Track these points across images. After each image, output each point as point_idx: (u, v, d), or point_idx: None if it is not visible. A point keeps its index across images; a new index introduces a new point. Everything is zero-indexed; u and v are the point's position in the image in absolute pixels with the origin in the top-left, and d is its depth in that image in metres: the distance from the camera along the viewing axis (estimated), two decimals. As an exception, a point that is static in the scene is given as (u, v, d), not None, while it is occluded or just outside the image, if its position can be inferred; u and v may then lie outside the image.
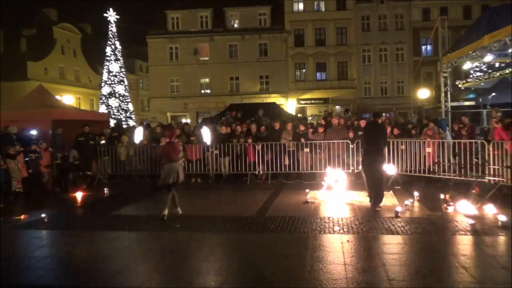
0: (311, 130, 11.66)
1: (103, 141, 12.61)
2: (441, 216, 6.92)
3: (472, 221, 6.34)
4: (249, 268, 4.85)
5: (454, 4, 33.63)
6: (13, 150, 9.88)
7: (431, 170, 10.26)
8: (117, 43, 27.76)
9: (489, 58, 12.27)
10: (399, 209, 7.25)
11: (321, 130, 11.57)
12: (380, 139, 7.67)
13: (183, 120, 31.23)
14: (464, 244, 5.58)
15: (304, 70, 35.16)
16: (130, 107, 28.22)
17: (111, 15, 27.65)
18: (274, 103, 21.78)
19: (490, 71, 15.30)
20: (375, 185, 7.55)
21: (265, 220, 7.06)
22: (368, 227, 6.38)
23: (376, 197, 7.53)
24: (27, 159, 10.38)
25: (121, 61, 27.86)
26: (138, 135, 11.55)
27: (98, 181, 12.01)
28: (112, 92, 27.03)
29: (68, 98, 28.00)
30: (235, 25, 35.60)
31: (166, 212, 7.20)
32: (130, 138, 12.39)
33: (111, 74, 27.15)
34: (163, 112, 34.69)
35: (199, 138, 11.81)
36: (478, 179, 8.60)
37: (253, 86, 34.89)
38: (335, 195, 8.62)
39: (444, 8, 33.04)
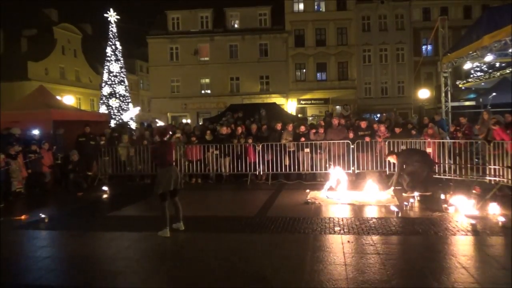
0: (313, 131, 11.60)
1: (102, 141, 12.62)
2: (442, 216, 6.91)
3: (472, 221, 6.33)
4: (249, 268, 4.84)
5: (454, 4, 33.62)
6: (13, 150, 9.89)
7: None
8: (118, 43, 27.70)
9: (489, 58, 12.27)
10: (399, 209, 7.26)
11: (321, 130, 11.57)
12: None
13: (183, 120, 31.26)
14: (465, 244, 5.58)
15: (304, 70, 35.15)
16: (131, 107, 28.18)
17: (112, 16, 27.61)
18: (274, 104, 21.77)
19: (490, 71, 15.33)
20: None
21: (265, 220, 7.05)
22: (368, 227, 6.37)
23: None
24: (27, 160, 10.39)
25: (122, 61, 27.82)
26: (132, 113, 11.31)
27: (99, 181, 12.02)
28: (113, 92, 26.96)
29: (68, 99, 27.94)
30: (236, 26, 35.59)
31: (167, 232, 6.12)
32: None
33: (111, 74, 27.11)
34: (164, 113, 34.70)
35: None
36: (479, 179, 8.60)
37: (254, 87, 34.89)
38: (336, 196, 8.62)
39: (444, 8, 33.04)
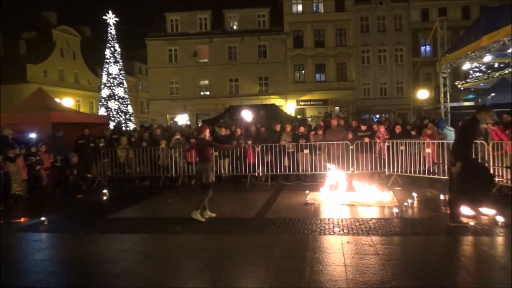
0: (313, 133, 11.60)
1: (102, 144, 12.60)
2: (441, 217, 6.91)
3: (472, 222, 6.33)
4: (249, 269, 4.84)
5: (452, 4, 33.66)
6: (12, 153, 9.87)
7: (431, 170, 10.25)
8: (117, 45, 27.73)
9: (488, 58, 12.29)
10: (399, 210, 7.25)
11: (320, 132, 11.57)
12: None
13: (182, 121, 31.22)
14: (464, 245, 5.58)
15: (303, 72, 35.16)
16: (130, 109, 28.18)
17: (111, 18, 27.64)
18: (273, 105, 21.82)
19: (489, 71, 15.34)
20: None
21: (265, 221, 7.05)
22: (368, 228, 6.37)
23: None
24: (27, 162, 10.35)
25: (121, 63, 27.84)
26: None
27: (98, 183, 12.01)
28: (112, 94, 26.99)
29: (67, 101, 28.01)
30: (234, 27, 35.61)
31: (199, 216, 7.12)
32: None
33: (110, 76, 27.13)
34: (163, 114, 34.68)
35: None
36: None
37: (253, 88, 34.89)
38: (335, 196, 8.62)
39: (442, 9, 33.07)
